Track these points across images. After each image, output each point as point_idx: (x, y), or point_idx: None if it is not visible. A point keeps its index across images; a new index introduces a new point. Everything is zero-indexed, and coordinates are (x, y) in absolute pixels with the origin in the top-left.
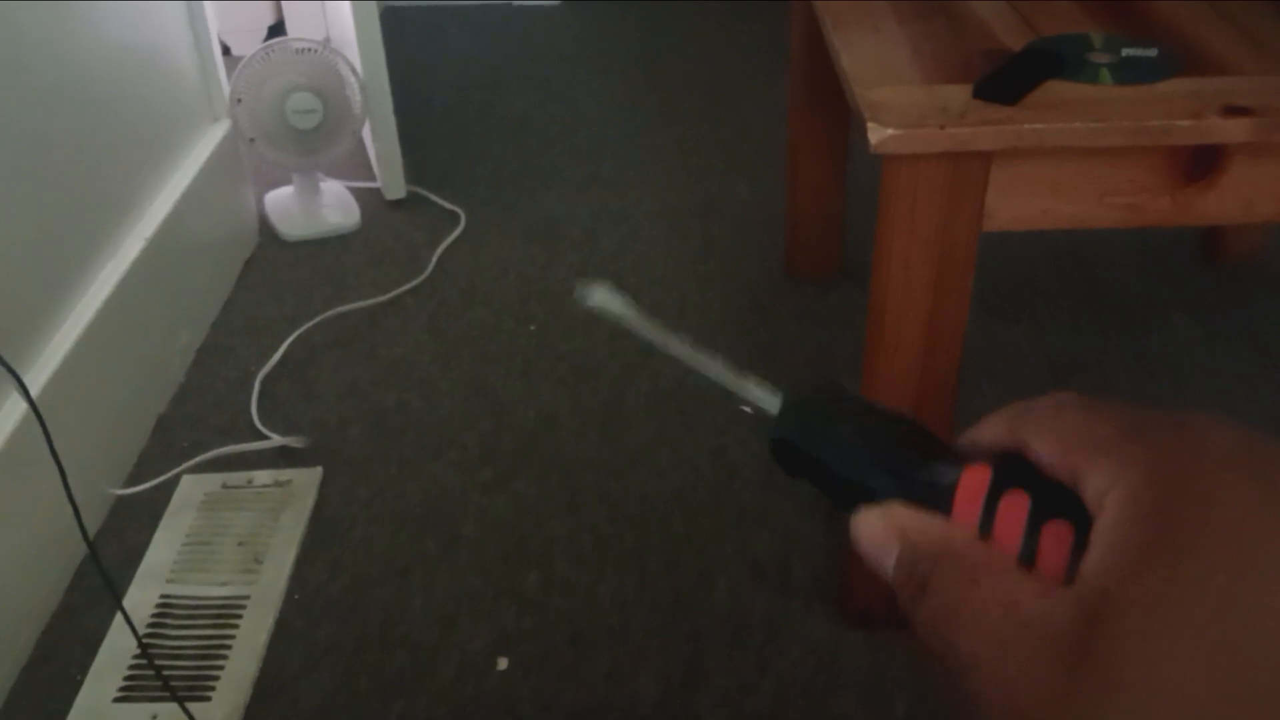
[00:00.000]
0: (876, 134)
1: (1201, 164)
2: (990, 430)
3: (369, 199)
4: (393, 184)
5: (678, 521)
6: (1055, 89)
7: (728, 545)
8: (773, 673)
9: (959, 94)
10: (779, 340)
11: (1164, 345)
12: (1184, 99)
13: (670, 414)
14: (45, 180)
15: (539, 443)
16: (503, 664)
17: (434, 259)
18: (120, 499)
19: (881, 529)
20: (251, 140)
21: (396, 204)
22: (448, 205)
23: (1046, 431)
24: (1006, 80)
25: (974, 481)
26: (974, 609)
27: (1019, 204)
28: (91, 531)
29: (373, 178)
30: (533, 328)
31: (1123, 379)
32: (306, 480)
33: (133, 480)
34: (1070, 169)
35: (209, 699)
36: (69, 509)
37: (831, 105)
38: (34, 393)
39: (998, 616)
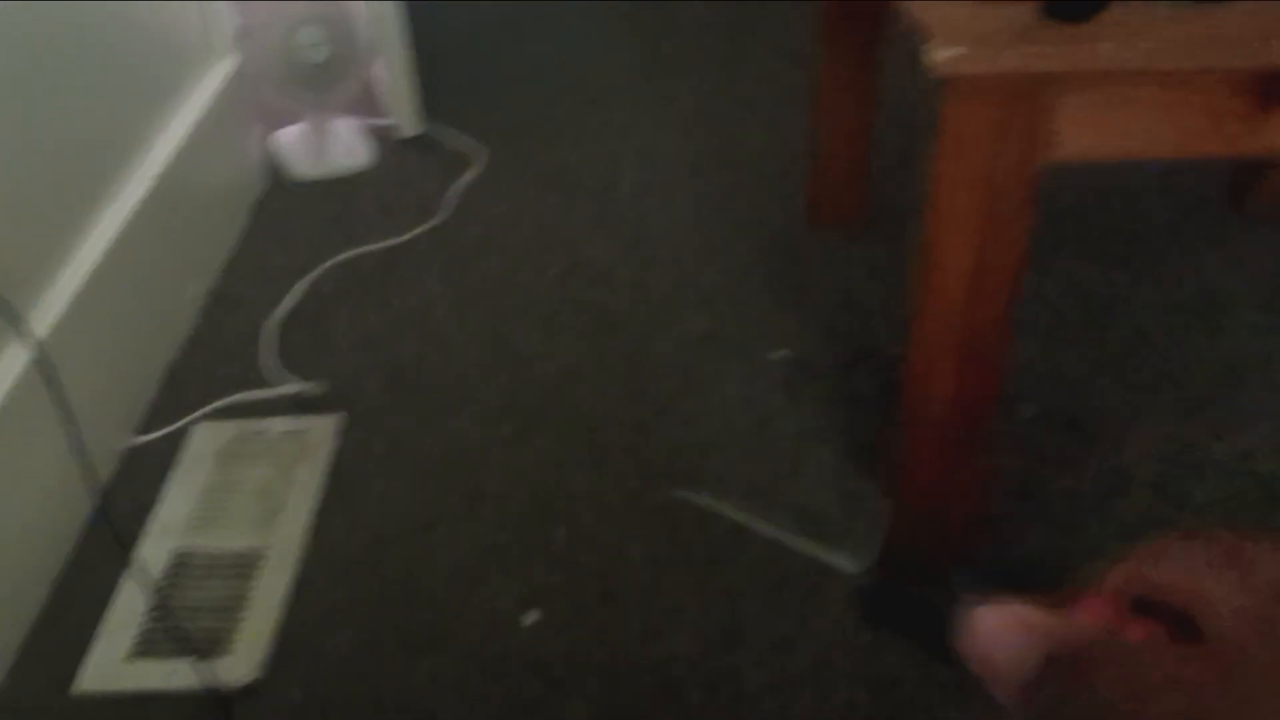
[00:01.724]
0: (938, 54)
1: (1274, 91)
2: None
3: (382, 137)
4: (407, 121)
5: (708, 474)
6: (1126, 10)
7: (762, 497)
8: (813, 630)
9: (1023, 12)
10: (804, 290)
11: (1196, 289)
12: (1261, 18)
13: (696, 364)
14: (45, 121)
15: (561, 395)
16: (532, 617)
17: (449, 201)
18: (131, 450)
19: (1006, 621)
20: (258, 76)
21: (410, 142)
22: (463, 145)
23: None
24: None
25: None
26: (1155, 683)
27: (1086, 131)
28: (102, 483)
29: (386, 115)
30: (552, 275)
31: (1156, 323)
32: (323, 429)
33: (144, 430)
34: (1141, 94)
35: (226, 656)
36: (77, 460)
37: (860, 44)
38: (39, 339)
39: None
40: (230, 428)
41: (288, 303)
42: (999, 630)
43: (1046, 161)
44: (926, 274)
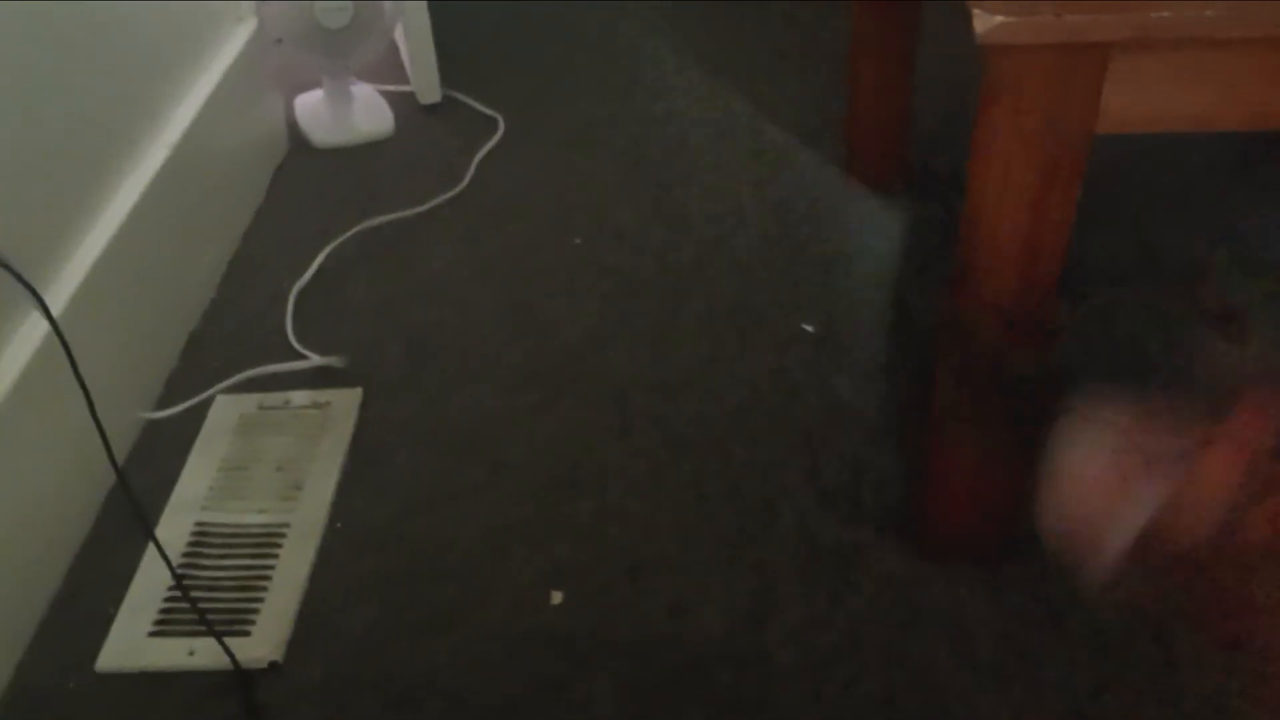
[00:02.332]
0: (984, 22)
1: None
2: None
3: (402, 104)
4: (427, 87)
5: (738, 447)
6: None
7: (793, 472)
8: (845, 608)
9: None
10: (840, 254)
11: (1244, 255)
12: None
13: (725, 332)
14: (62, 91)
15: (586, 363)
16: (558, 598)
17: (472, 167)
18: (150, 423)
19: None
20: (279, 41)
21: (431, 109)
22: (485, 110)
23: None
24: None
25: None
26: None
27: (1139, 102)
28: (120, 458)
29: (405, 81)
30: (577, 241)
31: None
32: (346, 402)
33: (163, 403)
34: (1197, 62)
35: (249, 633)
36: (96, 434)
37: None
38: (55, 312)
39: None
40: (251, 399)
41: (310, 270)
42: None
43: (1099, 132)
44: (970, 247)
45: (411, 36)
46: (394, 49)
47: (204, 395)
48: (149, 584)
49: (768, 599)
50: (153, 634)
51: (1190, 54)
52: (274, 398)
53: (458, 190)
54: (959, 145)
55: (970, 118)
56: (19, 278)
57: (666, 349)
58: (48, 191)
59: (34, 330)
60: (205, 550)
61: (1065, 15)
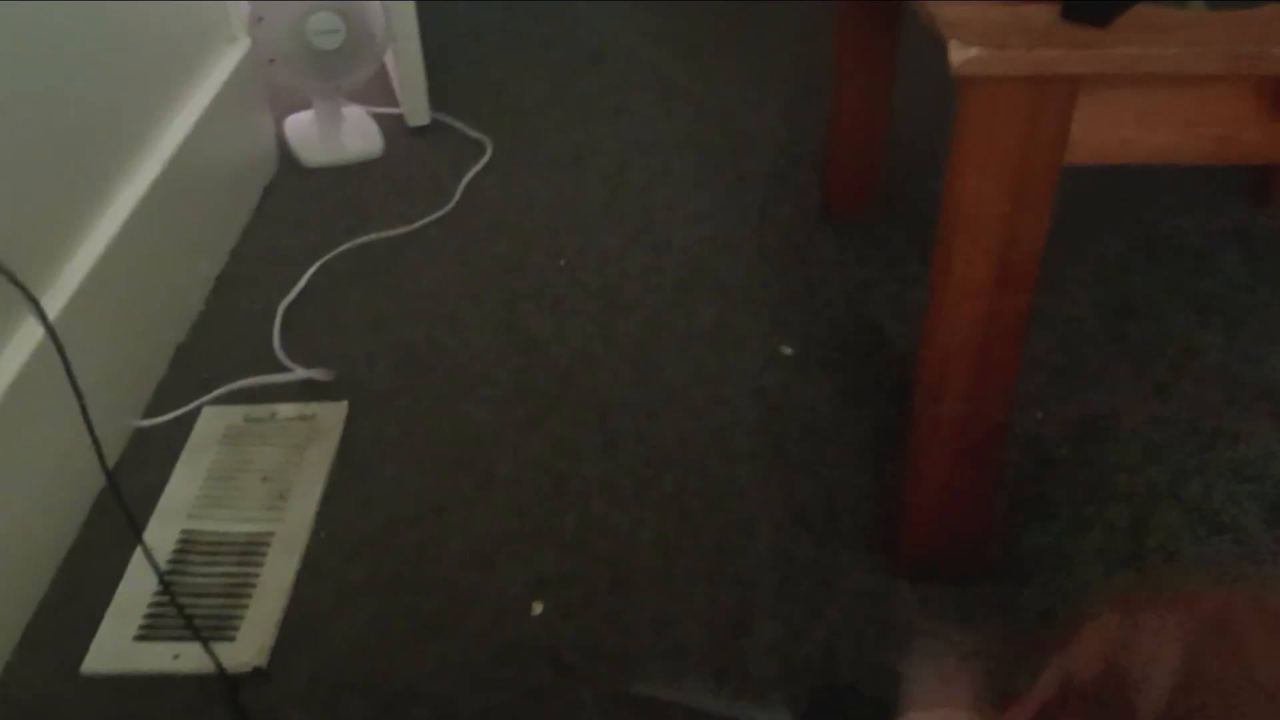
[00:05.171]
0: (959, 54)
1: None
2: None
3: (391, 125)
4: (416, 110)
5: (718, 464)
6: (1146, 12)
7: (771, 490)
8: (822, 622)
9: (1041, 13)
10: (817, 280)
11: (1215, 289)
12: None
13: (707, 353)
14: (58, 101)
15: (572, 381)
16: (538, 609)
17: (459, 189)
18: (139, 431)
19: None
20: (271, 61)
21: (420, 131)
22: (472, 133)
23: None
24: (1097, 1)
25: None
26: None
27: (1105, 134)
28: (109, 464)
29: (395, 103)
30: (562, 262)
31: (1175, 323)
32: (332, 414)
33: (152, 412)
34: (1160, 97)
35: (233, 639)
36: (86, 440)
37: (881, 25)
38: (51, 318)
39: None
40: (238, 411)
41: (298, 286)
42: None
43: (1066, 163)
44: (941, 276)
45: (402, 60)
46: (384, 71)
47: (192, 405)
48: (136, 589)
49: (747, 612)
50: (139, 638)
51: (1155, 89)
52: (261, 410)
53: (445, 211)
54: (938, 171)
55: (944, 145)
56: (16, 283)
57: (649, 369)
58: (44, 202)
59: (29, 336)
60: (191, 557)
61: (1036, 49)
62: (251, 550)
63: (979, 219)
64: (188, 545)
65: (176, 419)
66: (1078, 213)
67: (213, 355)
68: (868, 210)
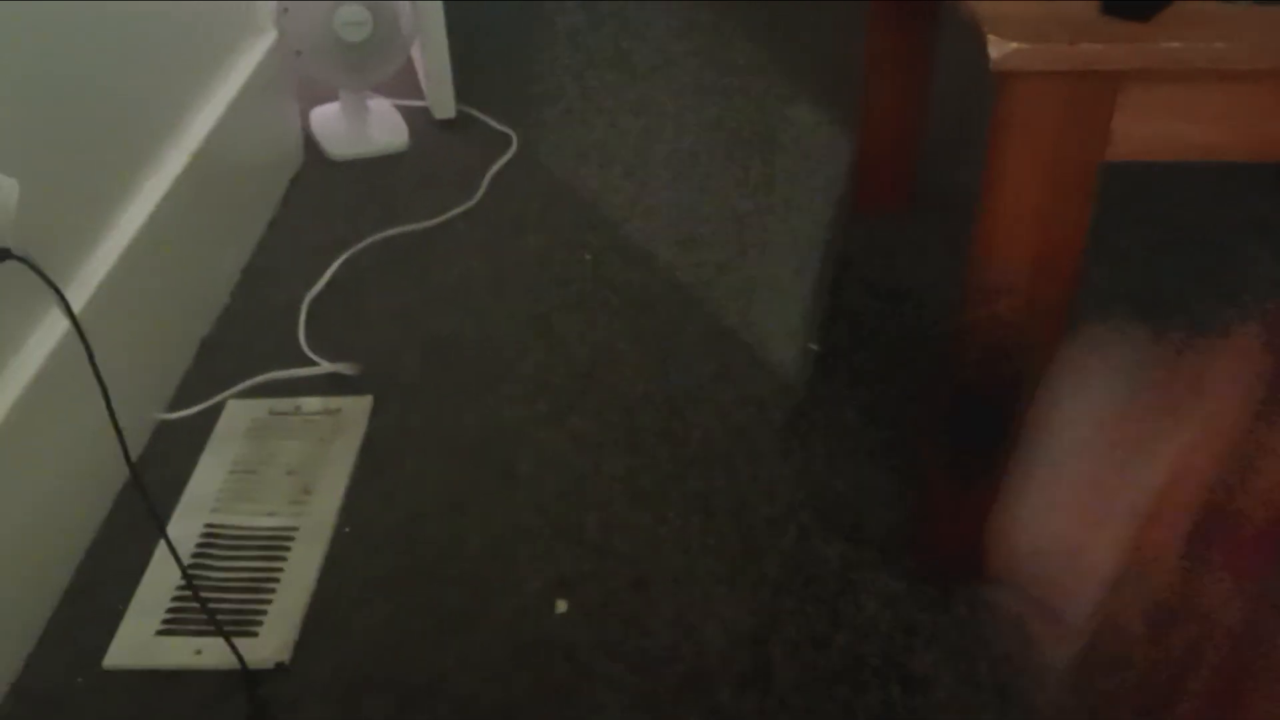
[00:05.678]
0: (998, 49)
1: None
2: None
3: (417, 118)
4: (442, 102)
5: (743, 463)
6: (1188, 7)
7: (797, 490)
8: (847, 626)
9: (1083, 8)
10: (848, 279)
11: (1243, 281)
12: None
13: (732, 350)
14: (85, 93)
15: (596, 376)
16: (562, 607)
17: (485, 182)
18: (163, 424)
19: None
20: (298, 53)
21: (446, 124)
22: (499, 127)
23: None
24: None
25: None
26: None
27: (1147, 130)
28: (133, 457)
29: (420, 96)
30: (588, 256)
31: (1204, 316)
32: (357, 409)
33: (176, 405)
34: (1203, 94)
35: (256, 634)
36: (110, 433)
37: (915, 19)
38: (75, 310)
39: None
40: (263, 404)
41: (324, 279)
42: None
43: (1106, 159)
44: (978, 272)
45: (428, 53)
46: (410, 64)
47: (216, 399)
48: (158, 583)
49: (771, 615)
50: (161, 632)
51: (1199, 85)
52: (285, 403)
53: (471, 204)
54: (971, 166)
55: (982, 140)
56: (41, 275)
57: (674, 365)
58: (70, 194)
59: (54, 328)
60: (214, 551)
61: (1078, 44)
62: (275, 545)
63: (1018, 215)
64: (211, 539)
65: (201, 412)
66: (1102, 204)
67: (238, 348)
68: (900, 206)
